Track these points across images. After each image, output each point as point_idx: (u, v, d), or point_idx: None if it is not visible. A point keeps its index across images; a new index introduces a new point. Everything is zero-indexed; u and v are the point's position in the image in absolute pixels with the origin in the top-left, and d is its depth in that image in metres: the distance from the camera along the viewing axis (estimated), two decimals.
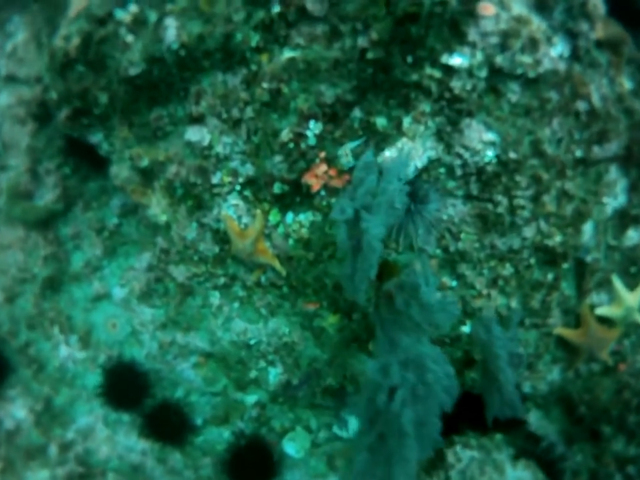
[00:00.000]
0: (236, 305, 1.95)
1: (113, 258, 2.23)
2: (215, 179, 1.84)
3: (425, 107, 1.67)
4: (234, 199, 1.85)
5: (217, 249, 1.90)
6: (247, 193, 1.84)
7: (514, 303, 1.81)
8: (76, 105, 1.93)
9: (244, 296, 1.93)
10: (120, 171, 1.98)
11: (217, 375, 2.06)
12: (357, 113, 1.71)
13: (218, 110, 1.78)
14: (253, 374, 2.00)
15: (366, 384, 1.40)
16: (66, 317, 2.25)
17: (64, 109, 1.96)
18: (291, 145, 1.72)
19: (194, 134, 1.83)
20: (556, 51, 1.67)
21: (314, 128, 1.70)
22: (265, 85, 1.71)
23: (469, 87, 1.65)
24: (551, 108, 1.69)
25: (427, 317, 1.37)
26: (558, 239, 1.78)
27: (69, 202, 2.25)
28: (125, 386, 2.13)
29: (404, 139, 1.69)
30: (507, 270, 1.79)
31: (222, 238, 1.88)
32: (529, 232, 1.76)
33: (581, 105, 1.72)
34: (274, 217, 1.82)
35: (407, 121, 1.69)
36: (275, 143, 1.74)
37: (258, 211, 1.82)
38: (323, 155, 1.72)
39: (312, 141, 1.71)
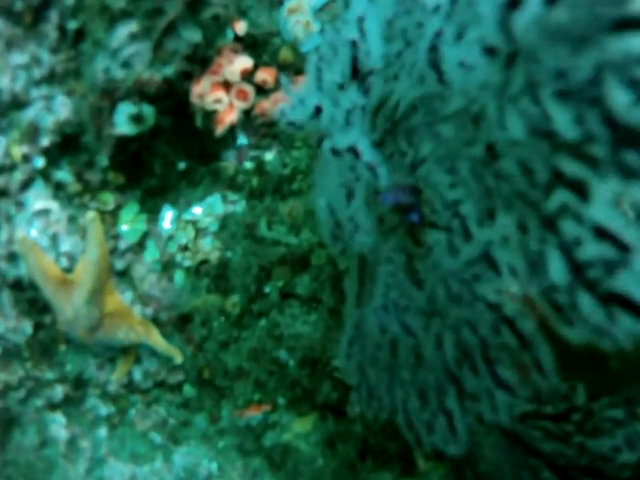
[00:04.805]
0: (101, 433, 1.06)
1: None
2: None
3: None
4: (39, 197, 0.88)
5: (28, 327, 0.95)
6: (61, 174, 0.86)
7: None
8: None
9: (111, 414, 1.04)
10: None
11: None
12: None
13: None
14: None
15: None
16: None
17: None
18: None
19: None
20: None
21: None
22: None
23: None
24: None
25: None
26: None
27: None
28: None
29: None
30: None
31: (32, 298, 0.93)
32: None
33: None
34: (132, 221, 0.85)
35: None
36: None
37: (90, 214, 0.82)
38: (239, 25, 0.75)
39: None
